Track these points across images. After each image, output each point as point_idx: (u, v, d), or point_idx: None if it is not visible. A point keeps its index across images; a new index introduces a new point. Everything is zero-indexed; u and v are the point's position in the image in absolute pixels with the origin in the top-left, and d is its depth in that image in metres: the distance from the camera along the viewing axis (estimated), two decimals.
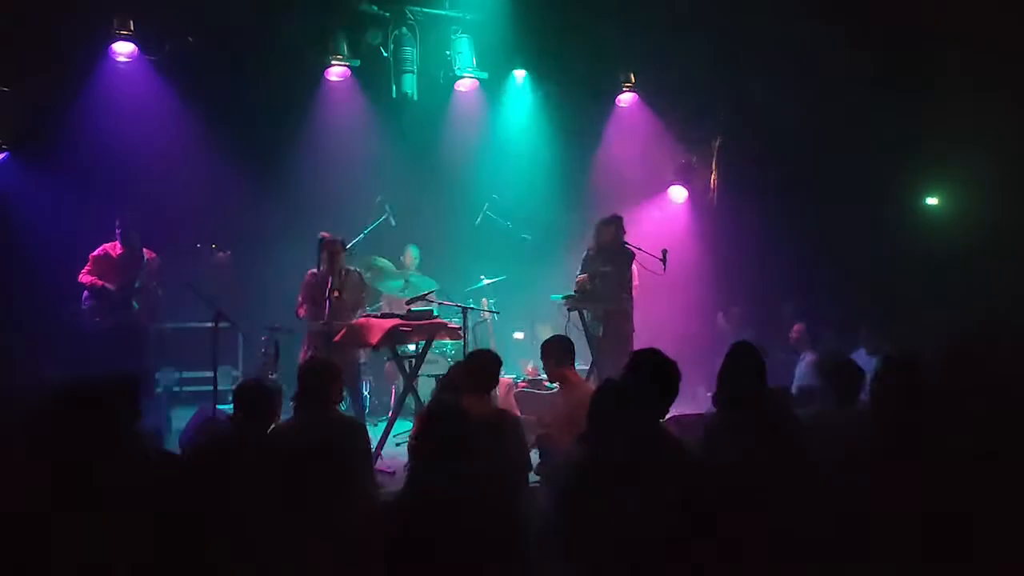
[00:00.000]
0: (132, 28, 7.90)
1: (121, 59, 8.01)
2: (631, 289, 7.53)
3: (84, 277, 7.33)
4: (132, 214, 7.43)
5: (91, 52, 7.95)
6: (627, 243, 7.51)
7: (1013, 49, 8.15)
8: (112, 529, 2.62)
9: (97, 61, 7.99)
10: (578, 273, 7.55)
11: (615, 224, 7.51)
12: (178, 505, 2.89)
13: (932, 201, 10.07)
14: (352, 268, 7.34)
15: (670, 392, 3.34)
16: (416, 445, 3.52)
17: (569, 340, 5.41)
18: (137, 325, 7.43)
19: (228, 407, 7.74)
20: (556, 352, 5.24)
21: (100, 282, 7.30)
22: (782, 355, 8.23)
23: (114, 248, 7.42)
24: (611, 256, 7.44)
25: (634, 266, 7.81)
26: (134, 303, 7.37)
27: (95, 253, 7.40)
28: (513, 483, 3.94)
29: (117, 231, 7.40)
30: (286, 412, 4.36)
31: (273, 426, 4.14)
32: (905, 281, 8.96)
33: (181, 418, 6.93)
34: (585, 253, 7.63)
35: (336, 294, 6.91)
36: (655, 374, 3.32)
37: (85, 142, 7.91)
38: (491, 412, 4.35)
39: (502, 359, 4.80)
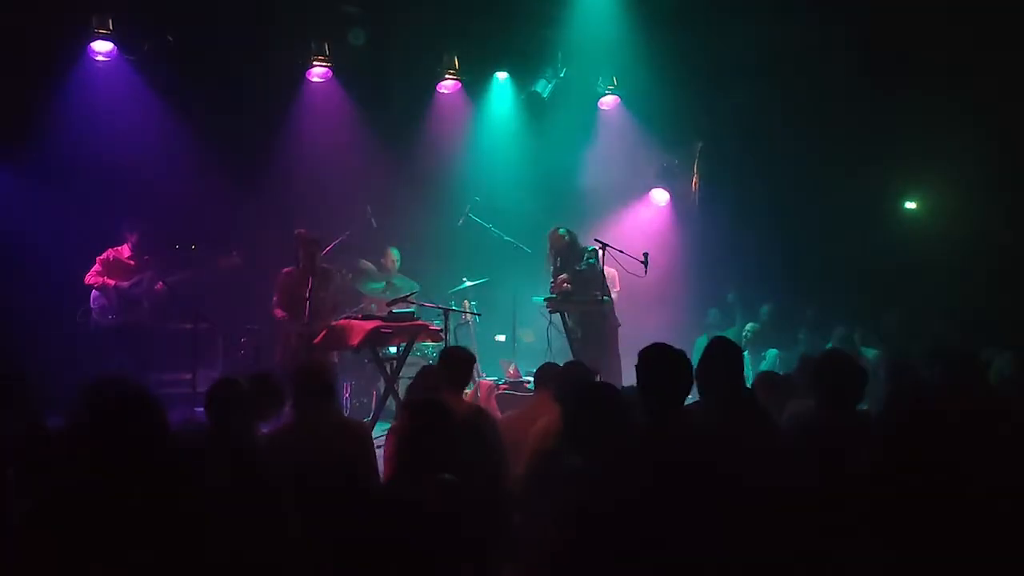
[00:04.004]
0: (111, 27, 7.87)
1: (100, 58, 7.96)
2: (608, 289, 7.57)
3: (93, 278, 7.48)
4: (143, 221, 7.64)
5: (69, 51, 7.89)
6: (598, 239, 7.53)
7: (991, 53, 8.24)
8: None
9: (75, 60, 7.92)
10: (550, 278, 7.61)
11: (559, 233, 7.60)
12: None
13: (911, 205, 10.16)
14: (330, 267, 7.28)
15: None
16: (398, 440, 3.44)
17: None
18: (145, 324, 7.63)
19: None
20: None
21: (112, 282, 7.49)
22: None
23: (120, 252, 7.62)
24: (572, 260, 7.50)
25: (614, 268, 7.84)
26: (144, 302, 7.58)
27: (103, 256, 7.57)
28: (493, 483, 3.91)
29: (130, 236, 7.60)
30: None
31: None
32: (883, 283, 9.03)
33: None
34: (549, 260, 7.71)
35: (317, 293, 6.80)
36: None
37: (62, 141, 7.82)
38: (469, 410, 4.33)
39: (476, 357, 4.78)
